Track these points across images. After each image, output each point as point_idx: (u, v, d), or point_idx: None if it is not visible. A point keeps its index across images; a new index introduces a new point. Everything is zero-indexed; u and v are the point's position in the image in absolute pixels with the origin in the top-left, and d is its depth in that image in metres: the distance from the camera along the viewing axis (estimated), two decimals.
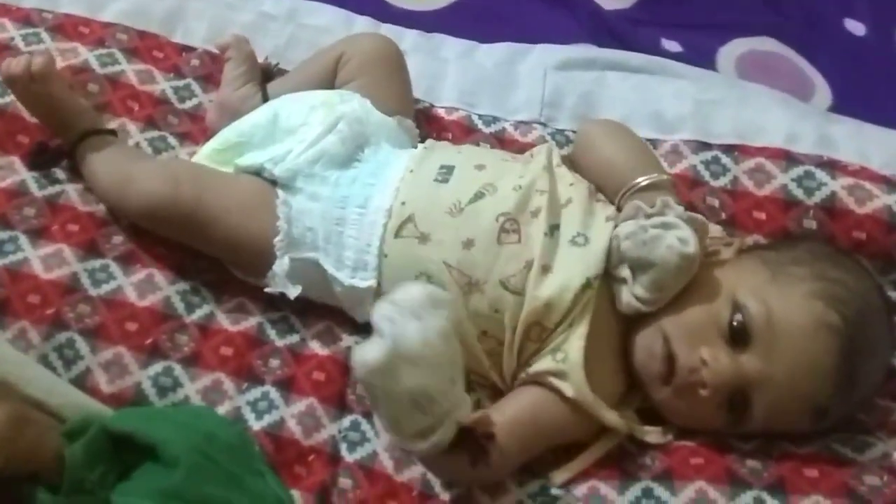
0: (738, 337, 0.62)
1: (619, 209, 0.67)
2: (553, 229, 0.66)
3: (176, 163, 0.77)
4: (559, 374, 0.63)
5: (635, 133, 0.76)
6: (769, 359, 0.61)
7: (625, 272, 0.63)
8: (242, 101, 0.79)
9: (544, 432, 0.64)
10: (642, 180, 0.67)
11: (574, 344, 0.63)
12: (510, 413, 0.63)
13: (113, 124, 0.78)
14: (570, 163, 0.73)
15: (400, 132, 0.76)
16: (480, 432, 0.57)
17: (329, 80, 0.80)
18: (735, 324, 0.62)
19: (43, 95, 0.73)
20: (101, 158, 0.73)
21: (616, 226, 0.65)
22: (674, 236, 0.62)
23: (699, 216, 0.65)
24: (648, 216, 0.64)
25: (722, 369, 0.62)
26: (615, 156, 0.70)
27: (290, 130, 0.73)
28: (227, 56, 0.82)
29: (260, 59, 0.84)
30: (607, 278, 0.65)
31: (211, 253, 0.72)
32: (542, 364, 0.64)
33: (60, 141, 0.75)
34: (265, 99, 0.79)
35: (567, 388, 0.63)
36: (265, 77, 0.83)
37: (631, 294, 0.63)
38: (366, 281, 0.68)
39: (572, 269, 0.64)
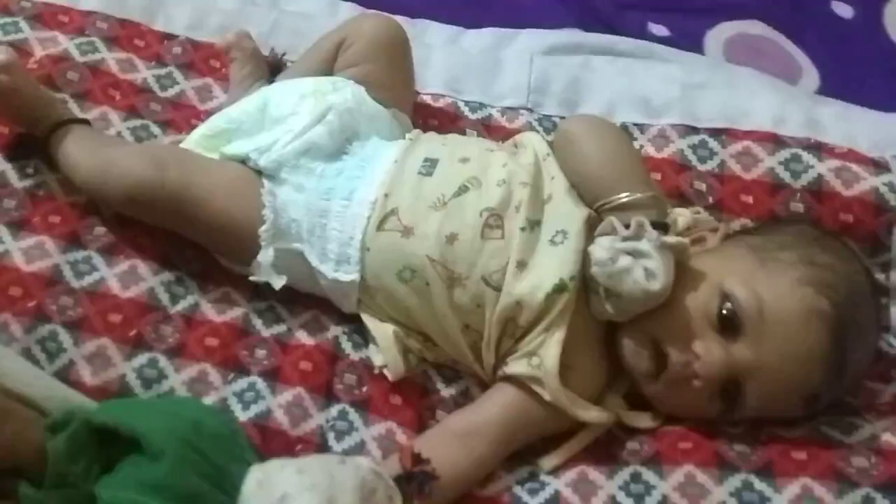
0: (729, 326, 0.62)
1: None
2: (534, 225, 0.65)
3: (159, 147, 0.75)
4: (535, 380, 0.63)
5: (621, 133, 0.74)
6: (761, 347, 0.61)
7: (598, 287, 0.62)
8: None
9: (527, 428, 0.64)
10: (623, 197, 0.63)
11: (550, 350, 0.62)
12: (494, 411, 0.63)
13: (94, 113, 0.77)
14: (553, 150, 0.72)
15: (393, 125, 0.75)
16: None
17: (331, 68, 0.77)
18: (725, 313, 0.62)
19: (8, 89, 0.71)
20: (79, 146, 0.71)
21: (593, 227, 0.63)
22: (641, 269, 0.60)
23: (677, 240, 0.62)
24: (623, 238, 0.61)
25: (714, 360, 0.61)
26: (596, 164, 0.66)
27: (278, 119, 0.72)
28: (231, 56, 0.81)
29: (264, 52, 0.83)
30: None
31: (195, 238, 0.71)
32: (519, 367, 0.64)
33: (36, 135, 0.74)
34: None
35: (544, 394, 0.63)
36: (273, 70, 0.82)
37: (603, 307, 0.62)
38: (349, 275, 0.67)
39: (547, 268, 0.63)
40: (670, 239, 0.62)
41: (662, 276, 0.60)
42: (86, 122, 0.75)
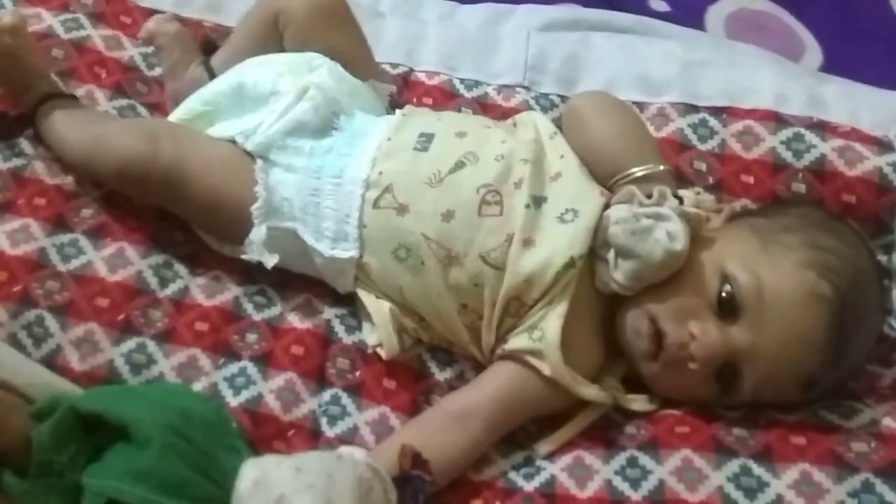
0: (728, 309, 0.61)
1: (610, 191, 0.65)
2: (539, 201, 0.63)
3: (151, 121, 0.74)
4: (536, 354, 0.62)
5: (629, 108, 0.73)
6: (759, 330, 0.60)
7: (608, 255, 0.62)
8: (193, 88, 0.75)
9: (524, 407, 0.63)
10: (638, 171, 0.63)
11: (552, 323, 0.62)
12: (490, 390, 0.63)
13: (80, 91, 0.76)
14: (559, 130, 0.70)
15: (373, 97, 0.74)
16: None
17: (273, 42, 0.75)
18: (724, 295, 0.61)
19: (8, 53, 0.70)
20: (69, 120, 0.70)
21: (608, 205, 0.63)
22: (664, 230, 0.60)
23: (695, 211, 0.62)
24: (644, 205, 0.61)
25: (711, 342, 0.60)
26: (608, 139, 0.66)
27: (259, 100, 0.70)
28: (157, 45, 0.79)
29: (229, 24, 0.81)
30: (591, 252, 0.63)
31: (186, 216, 0.70)
32: (519, 342, 0.63)
33: (21, 109, 0.72)
34: (211, 75, 0.76)
35: (544, 368, 0.62)
36: (207, 50, 0.79)
37: (610, 276, 0.62)
38: (347, 252, 0.66)
39: (557, 245, 0.62)
40: (690, 209, 0.62)
41: (683, 238, 0.60)
42: (74, 98, 0.73)
